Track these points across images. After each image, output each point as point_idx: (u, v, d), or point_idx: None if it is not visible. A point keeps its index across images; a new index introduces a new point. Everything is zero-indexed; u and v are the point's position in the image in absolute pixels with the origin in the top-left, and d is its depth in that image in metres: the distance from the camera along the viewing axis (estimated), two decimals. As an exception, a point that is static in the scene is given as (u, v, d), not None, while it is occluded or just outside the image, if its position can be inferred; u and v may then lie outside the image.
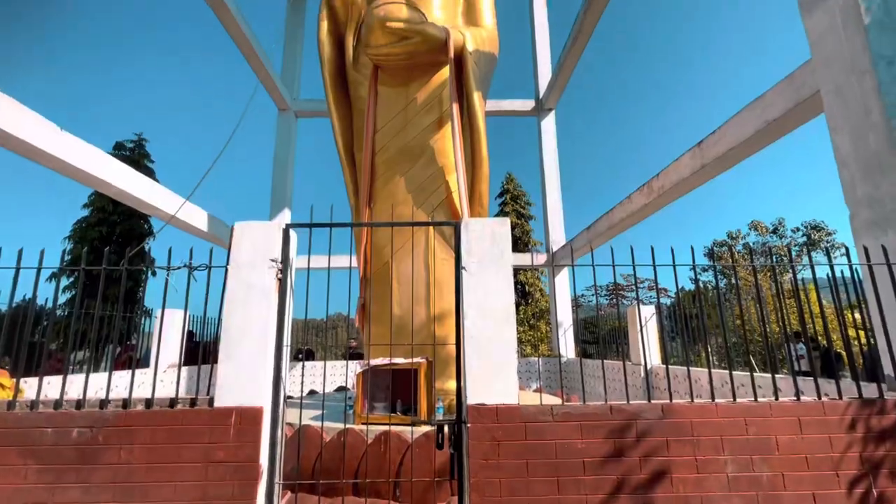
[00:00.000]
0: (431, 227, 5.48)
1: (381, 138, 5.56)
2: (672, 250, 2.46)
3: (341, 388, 8.05)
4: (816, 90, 2.98)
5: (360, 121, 5.73)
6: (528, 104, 10.95)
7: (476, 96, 5.37)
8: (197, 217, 6.56)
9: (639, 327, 5.84)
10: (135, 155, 14.05)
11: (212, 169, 5.46)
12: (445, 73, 5.55)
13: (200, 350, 2.84)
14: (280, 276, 2.28)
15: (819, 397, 2.45)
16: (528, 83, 11.52)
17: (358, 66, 5.73)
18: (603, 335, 10.08)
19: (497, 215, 21.47)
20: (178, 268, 2.19)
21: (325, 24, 5.60)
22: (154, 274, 14.27)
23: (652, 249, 2.39)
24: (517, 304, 18.99)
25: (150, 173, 14.26)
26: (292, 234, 2.45)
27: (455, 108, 5.29)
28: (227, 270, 2.23)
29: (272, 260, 2.25)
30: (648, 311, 6.75)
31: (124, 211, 13.66)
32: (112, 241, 13.64)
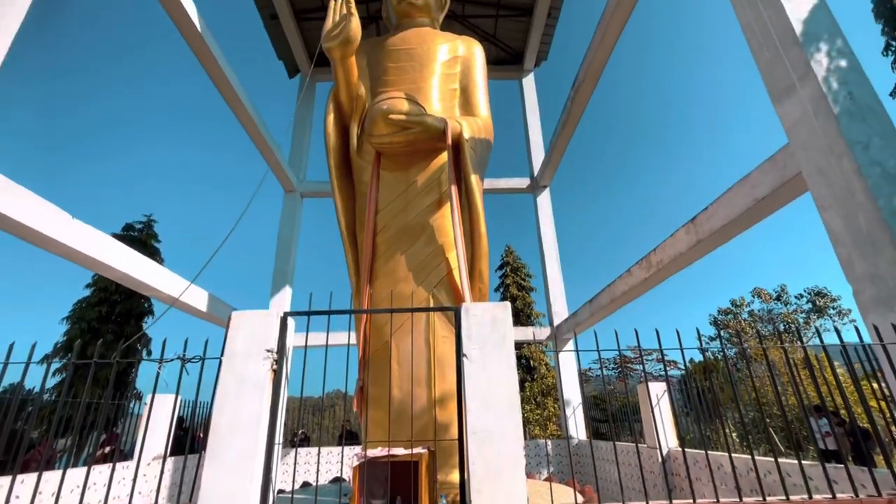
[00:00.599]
0: (432, 304, 5.44)
1: (383, 218, 5.72)
2: (678, 333, 2.41)
3: (337, 480, 7.47)
4: (799, 171, 3.11)
5: (363, 202, 5.94)
6: (523, 182, 11.42)
7: (473, 178, 5.62)
8: (197, 297, 6.54)
9: (650, 407, 5.55)
10: (142, 235, 14.42)
11: (216, 253, 5.54)
12: (444, 157, 5.86)
13: (188, 439, 2.68)
14: (275, 366, 2.21)
15: (856, 494, 2.26)
16: (524, 162, 12.14)
17: (362, 153, 6.06)
18: (613, 412, 9.56)
19: (497, 288, 21.46)
20: (171, 360, 2.13)
21: (331, 117, 6.01)
22: (150, 354, 13.93)
23: (657, 332, 2.34)
24: (522, 381, 18.30)
25: (155, 252, 14.53)
26: (290, 320, 2.41)
27: (454, 189, 5.51)
28: (220, 362, 2.17)
29: (268, 350, 2.20)
30: (659, 388, 6.46)
31: (126, 290, 13.69)
32: (110, 321, 13.51)
